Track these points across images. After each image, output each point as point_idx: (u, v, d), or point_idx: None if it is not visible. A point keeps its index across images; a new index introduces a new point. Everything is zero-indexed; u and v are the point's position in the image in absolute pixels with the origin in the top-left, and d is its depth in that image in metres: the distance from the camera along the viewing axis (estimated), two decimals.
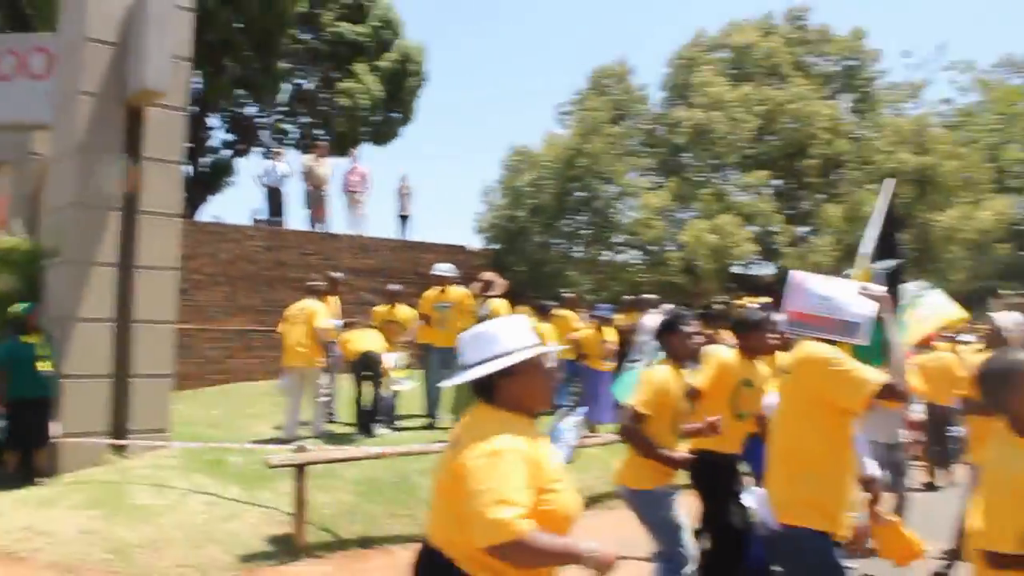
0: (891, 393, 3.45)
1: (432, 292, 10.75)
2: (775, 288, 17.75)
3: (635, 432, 4.61)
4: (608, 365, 10.69)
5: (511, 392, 2.72)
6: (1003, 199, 18.68)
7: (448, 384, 3.04)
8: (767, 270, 18.02)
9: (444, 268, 10.84)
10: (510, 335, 2.76)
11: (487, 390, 2.74)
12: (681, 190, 17.10)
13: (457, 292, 10.63)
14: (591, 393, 10.61)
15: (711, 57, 19.36)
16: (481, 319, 9.98)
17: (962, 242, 17.52)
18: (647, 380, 4.75)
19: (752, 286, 16.68)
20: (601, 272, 17.65)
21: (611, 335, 10.92)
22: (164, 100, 8.14)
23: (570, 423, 4.68)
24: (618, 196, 18.19)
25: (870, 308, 3.64)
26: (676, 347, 4.83)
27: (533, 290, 16.14)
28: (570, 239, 18.36)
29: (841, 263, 16.11)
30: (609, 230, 18.30)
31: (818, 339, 3.65)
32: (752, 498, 3.77)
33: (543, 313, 10.98)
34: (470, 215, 46.97)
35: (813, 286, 3.73)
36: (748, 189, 17.30)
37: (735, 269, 17.42)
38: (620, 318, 11.44)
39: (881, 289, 3.80)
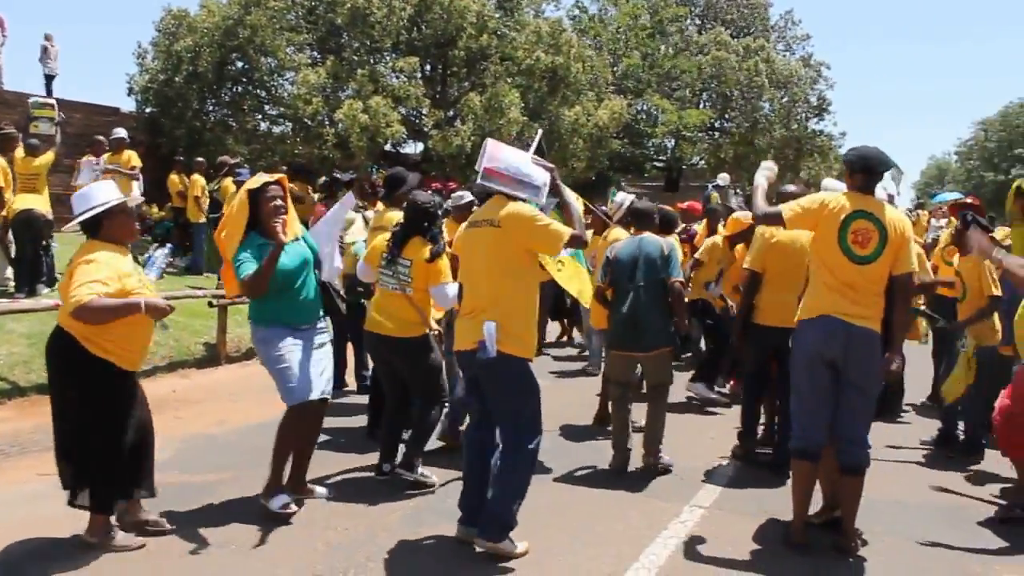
0: (577, 242, 4.16)
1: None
2: (421, 166, 19.53)
3: None
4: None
5: (108, 230, 4.08)
6: (619, 100, 21.65)
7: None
8: (414, 149, 19.68)
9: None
10: (102, 192, 4.13)
11: (94, 229, 4.09)
12: (338, 69, 18.00)
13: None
14: None
15: None
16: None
17: (584, 135, 20.24)
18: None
19: (401, 163, 18.22)
20: (259, 143, 18.27)
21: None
22: None
23: (160, 254, 6.81)
24: (277, 69, 18.80)
25: (544, 174, 4.26)
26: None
27: (189, 155, 16.49)
28: (229, 108, 18.71)
29: (477, 148, 18.08)
30: (268, 102, 18.89)
31: (508, 196, 4.19)
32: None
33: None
34: (121, 76, 43.81)
35: (504, 151, 4.27)
36: (400, 73, 18.60)
37: (386, 147, 18.84)
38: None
39: (546, 162, 4.48)
